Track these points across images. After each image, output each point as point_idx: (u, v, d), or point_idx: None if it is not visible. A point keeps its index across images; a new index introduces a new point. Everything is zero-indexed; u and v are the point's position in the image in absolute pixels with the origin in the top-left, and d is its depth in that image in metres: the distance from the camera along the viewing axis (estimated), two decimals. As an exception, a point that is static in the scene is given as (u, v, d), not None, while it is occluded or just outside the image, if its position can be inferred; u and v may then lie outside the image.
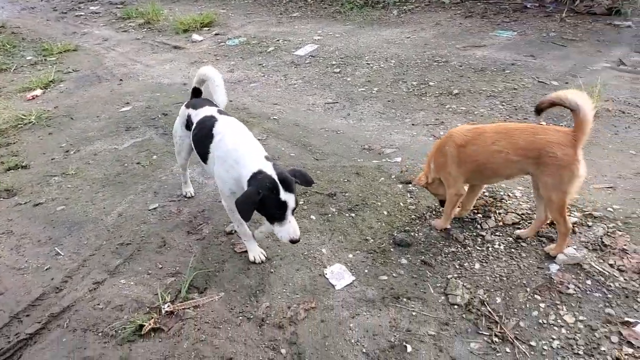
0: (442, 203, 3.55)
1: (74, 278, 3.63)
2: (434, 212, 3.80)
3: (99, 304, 3.32)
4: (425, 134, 5.23)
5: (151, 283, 3.49)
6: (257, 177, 2.82)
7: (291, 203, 2.78)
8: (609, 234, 3.30)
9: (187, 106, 3.79)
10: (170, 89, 7.57)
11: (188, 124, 3.77)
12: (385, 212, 3.90)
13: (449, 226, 3.56)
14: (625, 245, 3.19)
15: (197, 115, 3.58)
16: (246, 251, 3.65)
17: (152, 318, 3.13)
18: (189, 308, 3.22)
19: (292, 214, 2.84)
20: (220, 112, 3.55)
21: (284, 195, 2.75)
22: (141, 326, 3.06)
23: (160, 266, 3.66)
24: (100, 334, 3.08)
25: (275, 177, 2.77)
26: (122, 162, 5.35)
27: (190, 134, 3.70)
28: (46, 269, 3.75)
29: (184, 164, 4.26)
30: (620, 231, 3.32)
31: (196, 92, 4.06)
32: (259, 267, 3.51)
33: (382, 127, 5.55)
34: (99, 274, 3.64)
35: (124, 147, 5.72)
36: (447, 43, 7.94)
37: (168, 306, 3.22)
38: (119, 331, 3.07)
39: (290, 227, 2.82)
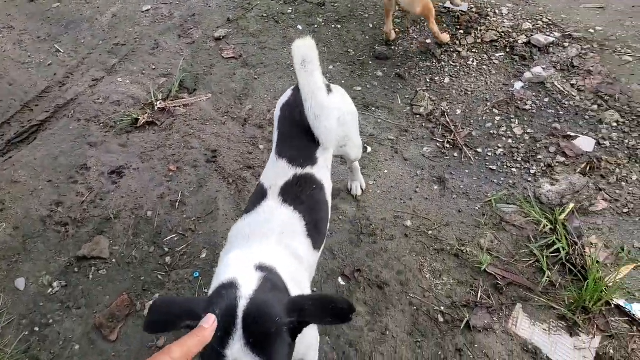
0: None
1: (74, 74, 3.79)
2: (418, 26, 3.71)
3: (98, 99, 3.54)
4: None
5: (145, 82, 3.65)
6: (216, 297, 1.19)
7: None
8: (581, 55, 3.28)
9: (280, 110, 2.01)
10: None
11: None
12: (371, 25, 3.82)
13: (429, 41, 3.52)
14: (592, 66, 3.20)
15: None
16: (234, 57, 3.72)
17: (147, 113, 3.37)
18: (179, 106, 3.43)
19: None
20: (288, 187, 1.75)
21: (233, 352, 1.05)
22: (137, 119, 3.31)
23: (153, 67, 3.78)
24: (101, 124, 3.36)
25: (239, 309, 1.10)
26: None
27: None
28: (48, 65, 3.89)
29: None
30: (593, 52, 3.29)
31: None
32: (244, 72, 3.61)
33: None
34: (97, 71, 3.78)
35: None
36: None
37: (160, 103, 3.43)
38: (118, 123, 3.33)
39: None
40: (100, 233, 2.68)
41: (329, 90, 1.97)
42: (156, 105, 3.41)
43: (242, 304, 1.09)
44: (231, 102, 3.43)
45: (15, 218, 2.79)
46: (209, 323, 1.00)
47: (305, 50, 1.72)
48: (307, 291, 1.52)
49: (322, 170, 1.85)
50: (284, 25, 3.95)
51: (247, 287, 1.15)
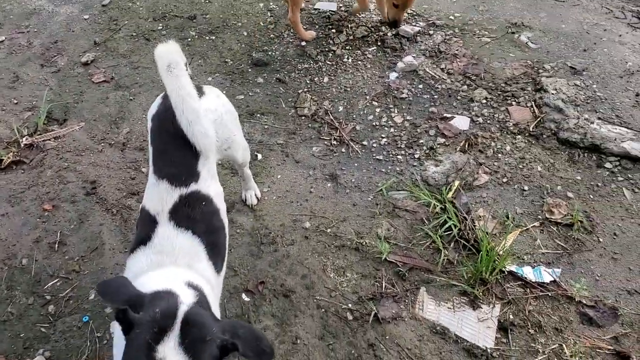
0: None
1: None
2: (291, 31, 3.69)
3: (-49, 145, 3.09)
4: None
5: (7, 119, 3.26)
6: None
7: None
8: (445, 40, 3.45)
9: (151, 119, 1.87)
10: None
11: None
12: (245, 33, 3.74)
13: (304, 43, 3.52)
14: (457, 50, 3.38)
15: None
16: (105, 80, 3.45)
17: (12, 152, 3.00)
18: (49, 139, 3.10)
19: None
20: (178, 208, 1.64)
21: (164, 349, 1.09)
22: (0, 160, 2.94)
23: (15, 101, 3.39)
24: (-44, 172, 2.93)
25: (180, 312, 1.15)
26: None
27: None
28: None
29: None
30: (456, 37, 3.48)
31: None
32: (117, 95, 3.36)
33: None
34: (-54, 114, 3.31)
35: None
36: None
37: (27, 139, 3.07)
38: (-22, 167, 2.93)
39: None
40: (-36, 296, 2.32)
41: (201, 92, 1.85)
42: (22, 142, 3.05)
43: (183, 309, 1.15)
44: (107, 128, 3.17)
45: None
46: None
47: (168, 54, 1.62)
48: (217, 315, 1.44)
49: (207, 182, 1.73)
50: (156, 43, 3.65)
51: (186, 297, 1.23)
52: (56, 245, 2.53)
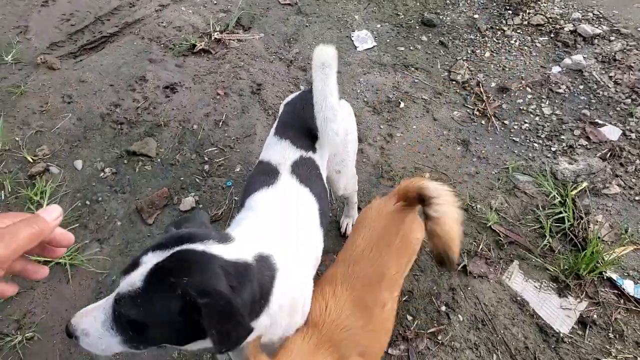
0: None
1: (143, -1, 3.96)
2: (467, 1, 3.71)
3: (162, 22, 3.71)
4: None
5: (206, 14, 3.80)
6: None
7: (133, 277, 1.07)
8: (624, 50, 3.26)
9: (284, 106, 2.00)
10: None
11: None
12: (425, -7, 3.85)
13: (476, 16, 3.55)
14: (634, 63, 3.18)
15: (268, 145, 1.88)
16: (289, 3, 3.82)
17: (204, 41, 3.53)
18: (233, 40, 3.58)
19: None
20: (298, 165, 1.72)
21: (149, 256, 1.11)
22: (194, 45, 3.48)
23: (215, 2, 3.91)
24: (162, 44, 3.54)
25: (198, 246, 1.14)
26: None
27: None
28: (121, -13, 4.06)
29: None
30: (637, 50, 3.26)
31: None
32: (297, 19, 3.72)
33: None
34: (164, -2, 3.94)
35: None
36: None
37: (217, 34, 3.58)
38: (177, 45, 3.50)
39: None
40: (150, 135, 2.88)
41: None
42: (213, 35, 3.56)
43: (189, 247, 1.10)
44: (281, 44, 3.55)
45: (79, 111, 3.02)
46: (53, 215, 0.80)
47: (326, 55, 1.66)
48: (309, 281, 1.45)
49: (321, 161, 1.79)
50: None
51: (223, 250, 1.13)
52: (220, 123, 2.99)
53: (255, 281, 1.15)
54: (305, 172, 1.67)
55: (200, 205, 2.58)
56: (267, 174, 1.64)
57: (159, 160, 2.77)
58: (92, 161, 2.76)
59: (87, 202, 2.58)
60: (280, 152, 1.70)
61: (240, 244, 1.20)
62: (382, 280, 1.54)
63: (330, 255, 2.27)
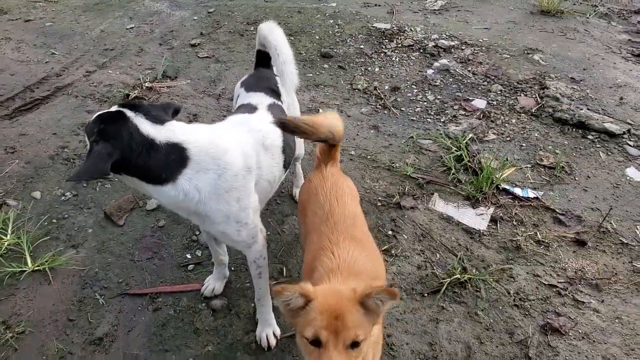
0: None
1: (69, 68, 4.34)
2: (353, 38, 4.64)
3: (93, 83, 4.09)
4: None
5: (133, 73, 4.26)
6: None
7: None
8: (473, 53, 4.31)
9: (241, 84, 2.37)
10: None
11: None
12: (317, 37, 4.72)
13: (362, 46, 4.45)
14: (482, 60, 4.21)
15: (242, 100, 2.23)
16: (207, 56, 4.45)
17: (136, 90, 3.95)
18: (163, 87, 4.05)
19: None
20: (272, 106, 2.14)
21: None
22: (128, 95, 3.88)
23: (139, 63, 4.41)
24: (96, 99, 3.89)
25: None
26: (99, -6, 5.80)
27: None
28: (46, 62, 4.42)
29: None
30: (482, 52, 4.33)
31: (262, 59, 2.39)
32: (217, 66, 4.34)
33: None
34: (90, 66, 4.35)
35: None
36: None
37: (147, 84, 4.04)
38: (111, 98, 3.88)
39: None
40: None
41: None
42: (144, 84, 4.02)
43: (130, 115, 1.56)
44: (207, 85, 4.10)
45: (26, 157, 3.20)
46: None
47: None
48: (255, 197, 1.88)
49: (287, 111, 2.27)
50: (248, 38, 4.78)
51: (145, 125, 1.55)
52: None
53: (156, 154, 1.54)
54: (278, 112, 2.10)
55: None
56: (248, 109, 2.04)
57: (115, 180, 3.03)
58: (50, 190, 2.94)
59: (54, 221, 2.73)
60: (258, 99, 2.12)
61: (164, 130, 1.58)
62: (357, 218, 1.88)
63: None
